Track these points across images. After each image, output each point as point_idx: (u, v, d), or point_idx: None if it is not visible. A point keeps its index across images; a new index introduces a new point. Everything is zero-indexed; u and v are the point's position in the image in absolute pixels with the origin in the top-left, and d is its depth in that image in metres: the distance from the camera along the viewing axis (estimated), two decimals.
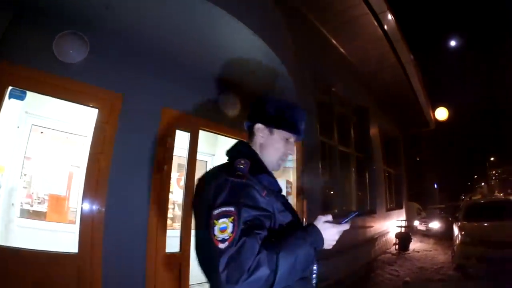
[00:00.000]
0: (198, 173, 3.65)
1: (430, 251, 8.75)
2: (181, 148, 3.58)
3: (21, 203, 3.56)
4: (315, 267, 1.19)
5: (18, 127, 3.49)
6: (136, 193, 3.00)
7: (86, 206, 2.74)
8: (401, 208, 10.90)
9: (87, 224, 2.71)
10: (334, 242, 1.15)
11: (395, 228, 9.16)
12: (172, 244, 3.27)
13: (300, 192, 3.23)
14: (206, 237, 1.00)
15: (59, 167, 3.81)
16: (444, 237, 10.11)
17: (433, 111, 11.66)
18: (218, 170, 1.21)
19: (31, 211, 3.62)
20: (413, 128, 12.77)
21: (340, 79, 6.66)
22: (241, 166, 1.13)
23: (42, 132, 3.71)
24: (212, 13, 2.59)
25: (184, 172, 3.55)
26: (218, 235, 0.97)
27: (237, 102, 3.92)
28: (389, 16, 6.02)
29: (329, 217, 1.17)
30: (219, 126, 3.86)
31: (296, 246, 1.02)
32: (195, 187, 1.29)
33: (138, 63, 3.13)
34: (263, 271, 0.92)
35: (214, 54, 3.22)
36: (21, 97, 2.70)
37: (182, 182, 4.20)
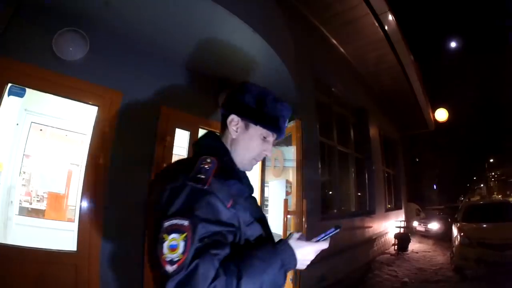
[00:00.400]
0: None
1: (429, 252, 8.76)
2: (180, 146, 3.58)
3: (20, 200, 3.57)
4: None
5: (17, 124, 3.50)
6: (135, 191, 2.98)
7: (85, 204, 2.73)
8: (400, 208, 10.90)
9: (85, 222, 2.71)
10: (309, 262, 1.02)
11: (394, 228, 9.17)
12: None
13: (300, 192, 3.23)
14: (154, 253, 0.84)
15: (58, 165, 3.81)
16: (443, 238, 10.11)
17: (433, 112, 11.67)
18: (177, 169, 1.01)
19: (30, 209, 3.63)
20: (413, 129, 12.76)
21: (340, 80, 6.66)
22: (206, 167, 0.95)
23: (41, 130, 3.71)
24: (212, 11, 2.57)
25: None
26: (167, 254, 0.80)
27: None
28: (390, 17, 6.01)
29: (301, 234, 1.06)
30: (219, 124, 3.79)
31: (262, 271, 0.88)
32: (151, 183, 1.10)
33: (138, 61, 3.13)
34: None
35: (214, 52, 3.20)
36: (21, 94, 2.70)
37: None
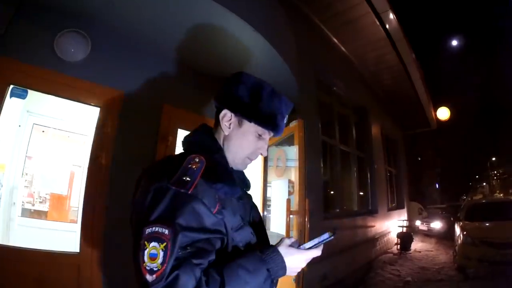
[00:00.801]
0: None
1: (431, 251, 8.75)
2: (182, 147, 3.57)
3: (23, 202, 3.57)
4: None
5: (19, 126, 3.50)
6: None
7: (87, 205, 2.73)
8: (403, 208, 10.87)
9: (88, 223, 2.70)
10: (298, 270, 0.97)
11: (396, 228, 9.15)
12: None
13: (303, 191, 3.23)
14: (136, 259, 0.81)
15: (60, 166, 3.82)
16: (446, 237, 10.12)
17: (435, 111, 11.64)
18: (164, 169, 0.95)
19: (32, 210, 3.63)
20: (415, 127, 12.73)
21: (342, 79, 6.64)
22: (193, 167, 0.90)
23: (43, 131, 3.71)
24: (212, 10, 2.57)
25: None
26: (147, 262, 0.77)
27: None
28: (391, 16, 6.00)
29: (293, 240, 1.01)
30: None
31: (246, 281, 0.83)
32: (137, 179, 1.04)
33: (139, 60, 3.12)
34: None
35: (215, 51, 3.20)
36: (23, 96, 2.70)
37: None
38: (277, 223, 3.68)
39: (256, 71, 3.50)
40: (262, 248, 0.95)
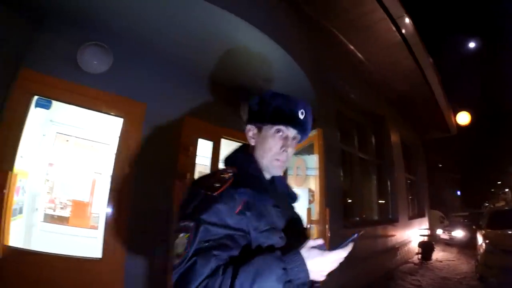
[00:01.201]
0: None
1: (453, 260, 8.50)
2: (202, 156, 3.61)
3: (45, 208, 3.67)
4: None
5: (44, 135, 3.62)
6: (159, 200, 3.04)
7: (110, 212, 2.81)
8: (424, 216, 10.59)
9: (111, 229, 2.78)
10: (325, 273, 0.93)
11: (417, 237, 8.93)
12: None
13: (323, 200, 3.20)
14: (171, 247, 0.97)
15: (82, 173, 3.91)
16: (468, 246, 9.81)
17: (455, 116, 11.37)
18: (204, 177, 1.11)
19: (55, 216, 3.72)
20: (434, 134, 12.42)
21: (358, 86, 6.59)
22: (225, 177, 1.04)
23: (67, 140, 3.83)
24: (234, 23, 2.63)
25: None
26: (175, 249, 0.92)
27: None
28: (407, 20, 5.94)
29: (319, 242, 0.95)
30: (241, 134, 3.81)
31: (259, 276, 0.86)
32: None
33: (161, 72, 3.21)
34: None
35: (236, 63, 3.25)
36: (47, 106, 2.80)
37: None
38: None
39: (274, 81, 3.56)
40: (284, 251, 0.95)
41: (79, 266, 2.64)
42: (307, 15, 4.82)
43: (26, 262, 2.44)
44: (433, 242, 9.02)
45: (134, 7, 2.51)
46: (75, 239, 3.55)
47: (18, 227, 3.08)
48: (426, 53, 7.25)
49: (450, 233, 11.96)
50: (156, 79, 3.18)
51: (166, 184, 3.10)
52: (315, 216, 3.25)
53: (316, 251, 0.92)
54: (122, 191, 2.84)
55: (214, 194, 0.97)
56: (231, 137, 3.79)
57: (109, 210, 2.80)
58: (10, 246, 2.46)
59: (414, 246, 8.70)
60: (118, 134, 2.96)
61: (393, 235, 7.16)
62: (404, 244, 8.06)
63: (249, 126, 1.21)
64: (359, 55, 6.66)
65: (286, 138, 1.15)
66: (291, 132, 1.16)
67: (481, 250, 6.16)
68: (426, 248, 8.36)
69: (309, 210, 3.30)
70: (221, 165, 1.22)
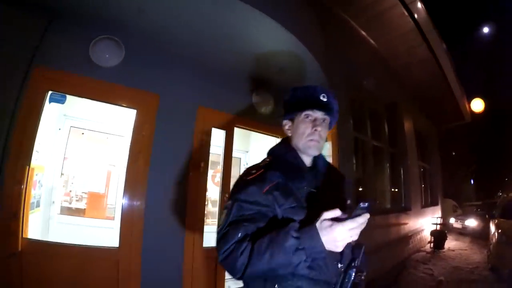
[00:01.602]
0: (233, 170, 3.69)
1: (465, 250, 8.46)
2: (215, 145, 3.62)
3: (61, 201, 3.74)
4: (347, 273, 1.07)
5: (59, 129, 3.67)
6: (174, 190, 3.08)
7: (127, 203, 2.85)
8: (437, 205, 10.52)
9: (127, 220, 2.82)
10: (340, 243, 0.94)
11: (430, 225, 8.87)
12: (207, 239, 3.34)
13: None
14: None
15: (98, 166, 3.96)
16: (481, 235, 9.70)
17: (469, 103, 11.15)
18: (246, 169, 1.30)
19: (71, 208, 3.79)
20: (448, 121, 12.21)
21: (372, 73, 6.48)
22: (261, 164, 1.27)
23: (83, 133, 3.87)
24: (244, 11, 2.59)
25: (221, 169, 3.60)
26: (220, 221, 1.16)
27: (270, 99, 3.92)
28: (419, 5, 5.81)
29: (334, 213, 0.96)
30: (253, 123, 3.89)
31: (275, 243, 0.98)
32: None
33: (173, 63, 3.20)
34: (234, 259, 1.03)
35: (247, 52, 3.21)
36: (61, 101, 2.82)
37: (217, 179, 4.26)
38: None
39: (286, 69, 3.53)
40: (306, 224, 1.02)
41: (96, 255, 2.70)
42: (319, 2, 4.75)
43: (45, 253, 2.50)
44: (446, 231, 8.97)
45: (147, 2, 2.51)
46: (91, 230, 3.62)
47: (36, 220, 3.13)
48: (440, 39, 7.10)
49: (463, 222, 11.85)
50: (169, 70, 3.17)
51: (180, 174, 3.12)
52: None
53: (329, 221, 0.95)
54: (137, 182, 2.87)
55: (248, 179, 1.19)
56: (244, 125, 3.79)
57: (125, 201, 2.83)
58: (29, 239, 2.51)
59: (426, 235, 8.68)
60: (132, 125, 2.97)
61: (405, 224, 7.13)
62: (416, 232, 8.04)
63: (284, 121, 1.39)
64: (372, 42, 6.56)
65: (315, 120, 1.29)
66: (318, 114, 1.30)
67: (494, 240, 6.11)
68: (439, 237, 8.34)
69: None
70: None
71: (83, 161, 3.87)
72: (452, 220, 12.11)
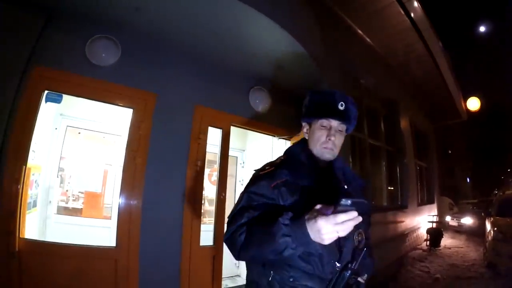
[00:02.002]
0: (230, 169, 3.69)
1: (461, 247, 8.49)
2: (212, 144, 3.63)
3: (58, 200, 3.73)
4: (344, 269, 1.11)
5: (56, 128, 3.66)
6: (171, 188, 3.09)
7: (124, 202, 2.85)
8: (433, 203, 10.55)
9: (124, 219, 2.82)
10: (325, 236, 0.92)
11: (426, 223, 8.91)
12: (205, 238, 3.35)
13: None
14: None
15: (94, 165, 3.96)
16: (477, 233, 9.77)
17: (465, 102, 11.20)
18: (264, 164, 1.39)
19: (68, 208, 3.78)
20: (445, 119, 12.26)
21: (368, 72, 6.50)
22: (276, 161, 1.35)
23: (79, 133, 3.86)
24: (241, 10, 2.60)
25: (217, 168, 3.61)
26: (233, 208, 1.26)
27: (267, 97, 3.92)
28: (415, 4, 5.82)
29: (325, 208, 0.96)
30: (250, 121, 3.88)
31: (265, 227, 1.05)
32: None
33: (170, 62, 3.20)
34: (234, 239, 1.14)
35: (244, 51, 3.23)
36: (58, 100, 2.82)
37: (213, 178, 4.26)
38: None
39: (284, 67, 3.54)
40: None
41: (94, 255, 2.70)
42: (316, 1, 4.75)
43: (42, 253, 2.50)
44: (442, 229, 9.00)
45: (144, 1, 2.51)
46: (89, 230, 3.61)
47: (33, 220, 3.13)
48: (437, 37, 7.11)
49: (459, 220, 11.93)
50: (165, 69, 3.17)
51: (178, 173, 3.13)
52: None
53: (315, 213, 0.95)
54: (134, 181, 2.87)
55: (261, 173, 1.29)
56: (240, 124, 3.80)
57: (122, 200, 2.83)
58: (26, 239, 2.52)
59: (423, 233, 8.71)
60: (129, 125, 2.97)
61: (402, 222, 7.15)
62: (413, 230, 8.07)
63: (303, 124, 1.44)
64: (368, 40, 6.56)
65: (330, 129, 1.32)
66: (334, 123, 1.32)
67: (490, 238, 6.15)
68: (435, 234, 8.36)
69: None
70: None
71: (79, 160, 3.86)
72: (448, 218, 12.17)
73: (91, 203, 3.93)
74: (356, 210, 0.93)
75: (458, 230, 11.47)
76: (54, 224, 3.58)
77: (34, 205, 3.16)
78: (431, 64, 7.80)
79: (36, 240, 2.80)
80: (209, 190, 4.53)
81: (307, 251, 1.05)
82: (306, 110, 1.40)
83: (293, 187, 1.23)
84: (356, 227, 0.98)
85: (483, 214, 8.40)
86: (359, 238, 1.21)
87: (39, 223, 3.38)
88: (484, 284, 5.16)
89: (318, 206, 0.98)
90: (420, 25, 6.34)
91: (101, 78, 2.80)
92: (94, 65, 2.75)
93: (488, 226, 6.64)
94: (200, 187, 3.32)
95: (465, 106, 11.27)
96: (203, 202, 3.66)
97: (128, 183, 2.87)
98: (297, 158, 1.33)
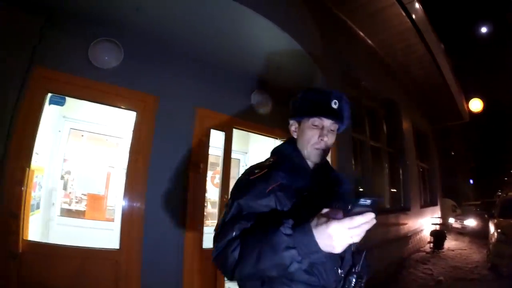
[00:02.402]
0: (232, 171, 3.69)
1: (465, 249, 8.44)
2: (214, 147, 3.64)
3: (61, 202, 3.74)
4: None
5: (59, 131, 3.67)
6: (174, 191, 3.09)
7: (127, 204, 2.85)
8: (436, 205, 10.50)
9: (127, 221, 2.83)
10: (337, 242, 0.80)
11: (429, 225, 8.87)
12: (207, 240, 3.34)
13: None
14: None
15: (97, 167, 3.97)
16: (480, 235, 9.69)
17: (467, 103, 11.18)
18: (249, 167, 1.26)
19: (72, 210, 3.79)
20: (446, 120, 12.23)
21: (369, 73, 6.50)
22: (264, 164, 1.22)
23: (82, 135, 3.88)
24: (240, 12, 2.61)
25: (220, 170, 3.61)
26: (220, 218, 1.12)
27: (269, 99, 3.93)
28: (417, 5, 5.83)
29: (334, 211, 0.84)
30: (252, 124, 3.89)
31: (265, 239, 0.89)
32: None
33: (172, 65, 3.22)
34: (226, 257, 0.98)
35: (244, 53, 3.24)
36: (61, 103, 2.84)
37: (216, 180, 4.27)
38: None
39: (285, 69, 3.54)
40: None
41: (97, 257, 2.71)
42: (315, 1, 4.76)
43: (45, 255, 2.51)
44: (445, 231, 8.96)
45: (144, 2, 2.53)
46: (91, 232, 3.62)
47: (36, 222, 3.14)
48: (438, 39, 7.11)
49: (462, 222, 11.83)
50: (167, 71, 3.18)
51: (180, 174, 3.14)
52: None
53: (325, 218, 0.82)
54: (137, 183, 2.88)
55: (251, 178, 1.14)
56: (242, 126, 3.81)
57: (125, 202, 2.84)
58: (29, 240, 2.52)
59: (426, 235, 8.67)
60: (132, 127, 2.98)
61: (405, 224, 7.12)
62: (416, 232, 8.03)
63: (291, 122, 1.33)
64: (369, 41, 6.57)
65: (322, 128, 1.22)
66: (327, 122, 1.22)
67: (493, 239, 6.11)
68: (438, 237, 8.32)
69: None
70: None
71: (82, 162, 3.87)
72: (451, 220, 12.10)
73: (94, 205, 3.94)
74: (373, 211, 0.81)
75: (461, 232, 11.39)
76: (57, 226, 3.59)
77: (37, 207, 3.17)
78: (432, 65, 7.80)
79: (39, 242, 2.80)
80: (212, 193, 4.53)
81: (313, 262, 0.87)
82: (297, 107, 1.28)
83: (289, 190, 1.11)
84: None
85: (486, 215, 8.35)
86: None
87: (42, 225, 3.39)
88: (487, 286, 5.13)
89: (325, 210, 0.85)
90: (421, 27, 6.34)
91: (103, 81, 2.81)
92: (97, 68, 2.77)
93: (492, 228, 6.60)
94: (203, 190, 3.33)
95: (467, 107, 11.24)
96: (205, 204, 3.67)
97: (131, 186, 2.88)
98: (290, 159, 1.23)
